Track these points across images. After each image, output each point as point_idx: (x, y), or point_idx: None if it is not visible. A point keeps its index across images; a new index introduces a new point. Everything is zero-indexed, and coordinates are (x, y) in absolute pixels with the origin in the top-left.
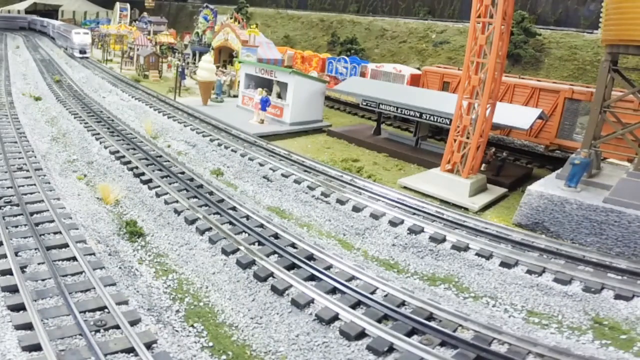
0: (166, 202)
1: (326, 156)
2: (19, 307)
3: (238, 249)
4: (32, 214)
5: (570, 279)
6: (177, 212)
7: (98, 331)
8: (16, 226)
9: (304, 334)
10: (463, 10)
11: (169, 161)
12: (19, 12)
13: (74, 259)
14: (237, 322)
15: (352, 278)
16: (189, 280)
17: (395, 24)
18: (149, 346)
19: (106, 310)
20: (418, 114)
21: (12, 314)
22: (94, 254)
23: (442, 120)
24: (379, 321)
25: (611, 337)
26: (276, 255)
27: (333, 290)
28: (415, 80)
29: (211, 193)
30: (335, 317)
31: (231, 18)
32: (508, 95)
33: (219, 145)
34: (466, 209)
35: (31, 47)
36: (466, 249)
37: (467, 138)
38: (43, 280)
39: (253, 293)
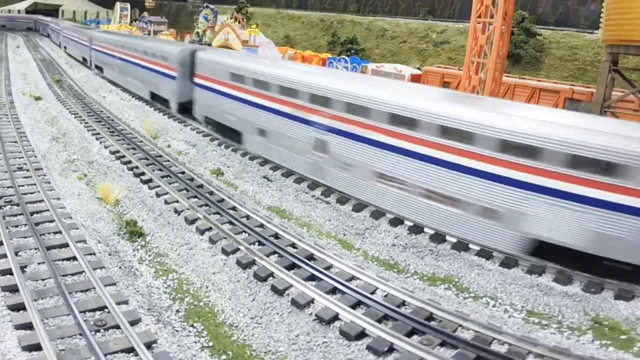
0: (166, 202)
1: None
2: (19, 307)
3: (238, 249)
4: (32, 213)
5: (570, 279)
6: (177, 212)
7: (98, 331)
8: (16, 226)
9: (304, 334)
10: (463, 11)
11: (169, 161)
12: (19, 11)
13: (74, 258)
14: (237, 322)
15: (352, 278)
16: (189, 280)
17: (395, 24)
18: (149, 346)
19: (106, 310)
20: None
21: (12, 314)
22: (94, 253)
23: None
24: (379, 321)
25: (611, 337)
26: (276, 255)
27: (333, 290)
28: (415, 81)
29: (211, 193)
30: (335, 317)
31: (231, 18)
32: (508, 95)
33: (219, 145)
34: None
35: (31, 47)
36: (466, 249)
37: None
38: (43, 280)
39: (253, 293)
